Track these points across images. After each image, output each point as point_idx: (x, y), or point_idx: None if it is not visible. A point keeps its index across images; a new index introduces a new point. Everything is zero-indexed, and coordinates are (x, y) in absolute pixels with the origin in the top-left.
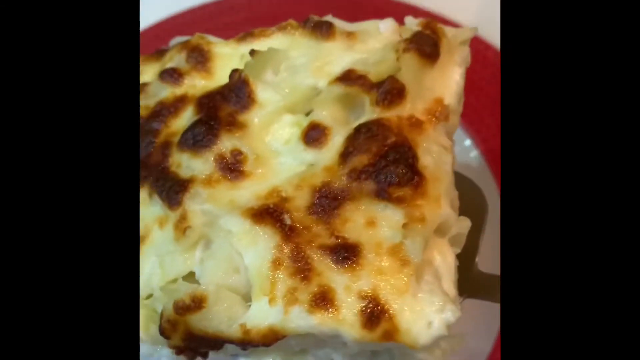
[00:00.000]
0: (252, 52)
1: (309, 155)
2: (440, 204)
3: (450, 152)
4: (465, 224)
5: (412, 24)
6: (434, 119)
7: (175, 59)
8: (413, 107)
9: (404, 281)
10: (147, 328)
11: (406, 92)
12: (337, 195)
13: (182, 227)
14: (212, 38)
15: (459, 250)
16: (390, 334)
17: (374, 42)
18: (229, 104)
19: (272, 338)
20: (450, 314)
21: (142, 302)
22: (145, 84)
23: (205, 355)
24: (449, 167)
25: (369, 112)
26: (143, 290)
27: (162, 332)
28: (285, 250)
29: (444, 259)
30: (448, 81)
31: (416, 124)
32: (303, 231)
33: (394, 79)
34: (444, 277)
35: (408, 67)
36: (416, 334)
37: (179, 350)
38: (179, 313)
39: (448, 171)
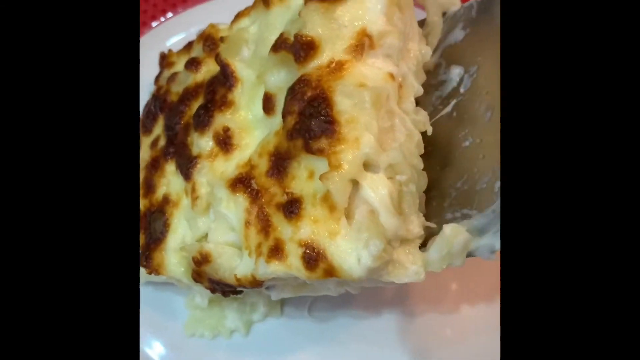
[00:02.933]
0: (222, 39)
1: (269, 123)
2: (359, 144)
3: (383, 85)
4: (393, 154)
5: None
6: (357, 54)
7: (196, 49)
8: (332, 51)
9: (334, 225)
10: (189, 275)
11: (317, 42)
12: (284, 156)
13: (194, 196)
14: (222, 25)
15: (404, 178)
16: (330, 272)
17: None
18: (223, 86)
19: (255, 283)
20: (373, 247)
21: (183, 255)
22: (175, 73)
23: (236, 292)
24: (369, 104)
25: (296, 72)
26: (179, 246)
27: (194, 279)
28: (253, 212)
29: (377, 193)
30: (365, 8)
31: (337, 68)
32: (265, 193)
33: (299, 35)
34: (381, 211)
35: (311, 18)
36: (349, 269)
37: (212, 290)
38: (197, 265)
39: (367, 108)
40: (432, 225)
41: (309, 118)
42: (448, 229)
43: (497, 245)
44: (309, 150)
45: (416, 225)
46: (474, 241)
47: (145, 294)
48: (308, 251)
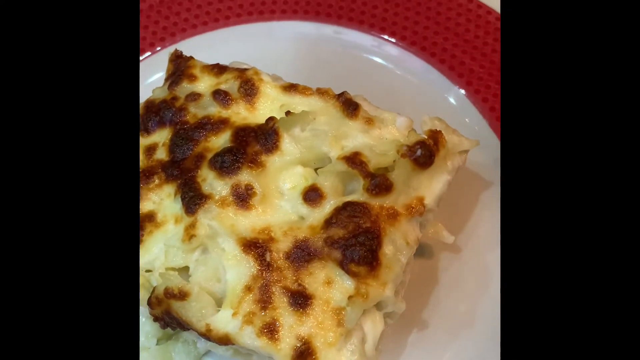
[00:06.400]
0: (288, 113)
1: (303, 209)
2: (385, 288)
3: (413, 245)
4: (400, 306)
5: (426, 123)
6: (410, 214)
7: (230, 83)
8: (395, 200)
9: (335, 337)
10: (144, 295)
11: (393, 188)
12: (311, 252)
13: (190, 232)
14: (264, 76)
15: (392, 322)
16: None
17: (387, 132)
18: (257, 143)
19: (225, 341)
20: None
21: (141, 272)
22: (199, 94)
23: (174, 328)
24: (405, 259)
25: (359, 194)
26: (146, 265)
27: (149, 303)
28: (258, 281)
29: (374, 328)
30: (434, 185)
31: (392, 215)
32: (276, 270)
33: (385, 177)
34: (369, 341)
35: (401, 169)
36: None
37: (156, 318)
38: (166, 296)
39: (402, 262)
40: None
41: (358, 245)
42: None
43: None
44: (344, 267)
45: None
46: None
47: None
48: (303, 347)
